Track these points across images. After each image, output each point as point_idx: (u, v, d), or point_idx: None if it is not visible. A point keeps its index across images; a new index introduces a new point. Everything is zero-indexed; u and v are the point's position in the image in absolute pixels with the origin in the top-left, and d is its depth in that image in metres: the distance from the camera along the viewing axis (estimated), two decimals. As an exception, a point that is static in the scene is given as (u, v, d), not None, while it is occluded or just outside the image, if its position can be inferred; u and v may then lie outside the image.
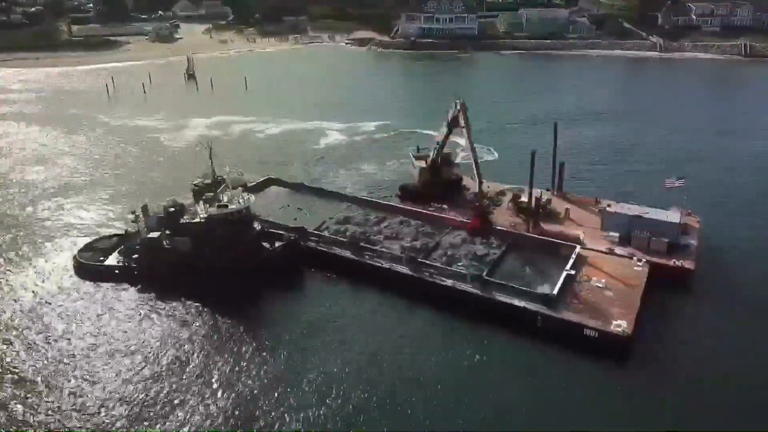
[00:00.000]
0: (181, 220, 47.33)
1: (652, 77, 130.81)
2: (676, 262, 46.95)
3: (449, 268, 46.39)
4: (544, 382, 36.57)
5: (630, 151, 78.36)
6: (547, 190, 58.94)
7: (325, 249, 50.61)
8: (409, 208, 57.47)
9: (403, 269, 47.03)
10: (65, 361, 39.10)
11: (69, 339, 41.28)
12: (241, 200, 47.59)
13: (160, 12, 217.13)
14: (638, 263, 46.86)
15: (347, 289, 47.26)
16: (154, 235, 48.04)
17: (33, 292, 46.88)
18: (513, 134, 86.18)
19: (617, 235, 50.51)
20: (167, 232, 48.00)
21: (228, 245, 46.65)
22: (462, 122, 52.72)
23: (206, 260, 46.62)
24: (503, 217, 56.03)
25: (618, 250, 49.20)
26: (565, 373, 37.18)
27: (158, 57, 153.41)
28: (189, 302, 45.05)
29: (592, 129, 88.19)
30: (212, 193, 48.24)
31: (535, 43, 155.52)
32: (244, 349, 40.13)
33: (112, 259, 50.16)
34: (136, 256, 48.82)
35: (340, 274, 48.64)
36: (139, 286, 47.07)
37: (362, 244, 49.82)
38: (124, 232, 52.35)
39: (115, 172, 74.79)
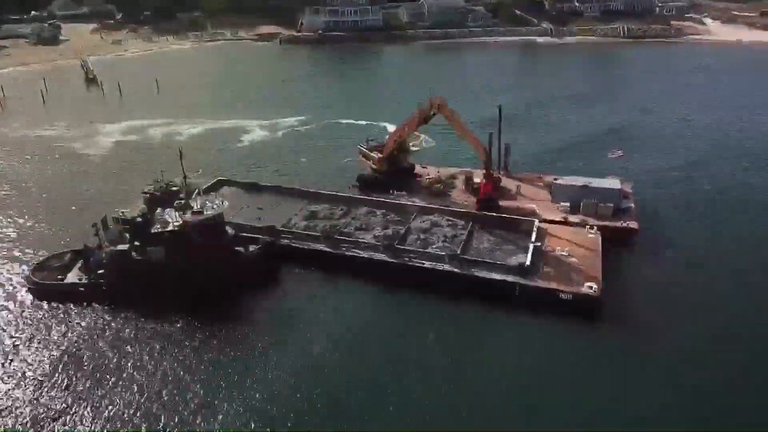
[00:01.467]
0: (153, 230, 45.22)
1: (549, 60, 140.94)
2: (623, 224, 52.29)
3: (426, 250, 48.37)
4: (533, 345, 39.64)
5: (552, 129, 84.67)
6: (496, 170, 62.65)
7: (299, 245, 50.62)
8: (373, 198, 58.67)
9: (382, 256, 48.34)
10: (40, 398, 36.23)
11: (36, 366, 38.30)
12: (215, 205, 46.34)
13: (33, 12, 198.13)
14: (590, 230, 51.48)
15: (326, 282, 47.68)
16: (123, 247, 45.52)
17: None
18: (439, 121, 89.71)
19: (567, 204, 55.17)
20: (136, 243, 45.66)
21: (204, 252, 45.41)
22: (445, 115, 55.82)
23: (181, 269, 45.09)
24: (460, 198, 59.14)
25: (571, 218, 53.78)
26: (550, 335, 40.55)
27: (46, 62, 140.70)
28: (166, 314, 43.24)
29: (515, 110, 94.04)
30: (182, 200, 46.42)
31: (440, 32, 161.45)
32: (233, 356, 39.34)
33: (72, 277, 46.85)
34: (101, 271, 45.93)
35: (317, 268, 48.97)
36: (109, 303, 44.44)
37: (336, 236, 50.44)
38: (82, 247, 48.90)
39: (37, 187, 68.68)
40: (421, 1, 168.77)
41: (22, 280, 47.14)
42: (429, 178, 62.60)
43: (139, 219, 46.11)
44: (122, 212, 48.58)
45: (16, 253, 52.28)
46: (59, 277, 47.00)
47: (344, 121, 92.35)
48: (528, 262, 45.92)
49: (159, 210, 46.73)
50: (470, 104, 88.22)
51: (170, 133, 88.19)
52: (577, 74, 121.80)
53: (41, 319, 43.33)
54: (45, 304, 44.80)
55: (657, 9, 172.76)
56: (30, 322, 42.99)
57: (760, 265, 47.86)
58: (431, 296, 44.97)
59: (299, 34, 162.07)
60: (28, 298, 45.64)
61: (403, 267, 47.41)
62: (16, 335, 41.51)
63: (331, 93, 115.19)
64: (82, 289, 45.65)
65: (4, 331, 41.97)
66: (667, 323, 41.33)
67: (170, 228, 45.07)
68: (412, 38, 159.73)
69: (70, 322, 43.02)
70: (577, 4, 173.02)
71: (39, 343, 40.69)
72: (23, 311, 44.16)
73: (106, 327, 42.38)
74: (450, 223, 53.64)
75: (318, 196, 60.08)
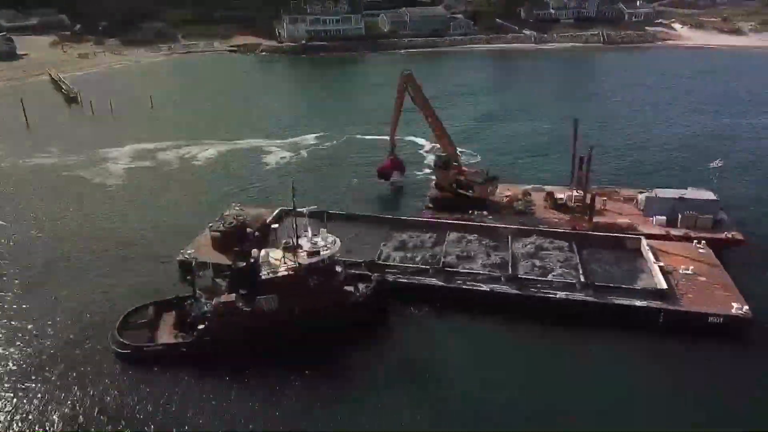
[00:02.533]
0: (263, 275, 39.72)
1: (539, 66, 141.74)
2: (728, 235, 51.10)
3: (549, 279, 45.23)
4: (694, 376, 37.35)
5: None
6: (567, 186, 60.42)
7: (408, 281, 46.28)
8: (460, 222, 54.98)
9: (504, 288, 44.78)
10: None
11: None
12: (329, 243, 41.30)
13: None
14: (699, 245, 49.87)
15: (441, 320, 43.69)
16: (229, 297, 39.75)
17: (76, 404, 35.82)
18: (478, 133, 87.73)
19: (664, 218, 53.55)
20: (242, 291, 40.00)
21: (318, 297, 40.48)
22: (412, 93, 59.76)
23: (295, 318, 39.96)
24: (547, 216, 56.43)
25: (673, 232, 52.07)
26: (707, 364, 38.32)
27: (8, 79, 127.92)
28: (276, 374, 38.04)
29: (540, 122, 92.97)
30: (289, 242, 41.03)
31: (424, 41, 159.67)
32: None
33: (166, 335, 40.57)
34: (202, 326, 39.89)
35: (425, 304, 44.78)
36: (212, 362, 38.64)
37: (449, 268, 46.46)
38: (174, 299, 42.64)
39: (76, 227, 59.93)
40: (403, 10, 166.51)
41: (107, 343, 40.34)
42: (507, 196, 59.56)
43: (243, 264, 40.55)
44: (191, 257, 44.34)
45: (83, 310, 45.04)
46: (149, 335, 40.62)
47: (367, 137, 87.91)
48: (665, 285, 43.54)
49: (263, 252, 41.32)
50: (460, 108, 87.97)
51: (185, 157, 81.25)
52: (584, 79, 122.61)
53: (141, 389, 36.89)
54: (137, 370, 38.46)
55: (626, 16, 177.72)
56: (128, 394, 36.46)
57: None
58: (563, 329, 41.82)
59: (281, 44, 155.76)
60: (115, 366, 38.96)
61: (531, 299, 44.01)
62: (114, 413, 34.97)
63: (336, 105, 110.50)
64: (184, 349, 39.51)
65: (99, 409, 35.25)
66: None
67: (283, 273, 39.80)
68: (397, 47, 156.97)
69: (178, 390, 36.88)
70: (552, 11, 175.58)
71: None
72: (115, 381, 37.55)
73: (217, 393, 36.58)
74: (554, 245, 50.70)
75: (398, 223, 55.77)
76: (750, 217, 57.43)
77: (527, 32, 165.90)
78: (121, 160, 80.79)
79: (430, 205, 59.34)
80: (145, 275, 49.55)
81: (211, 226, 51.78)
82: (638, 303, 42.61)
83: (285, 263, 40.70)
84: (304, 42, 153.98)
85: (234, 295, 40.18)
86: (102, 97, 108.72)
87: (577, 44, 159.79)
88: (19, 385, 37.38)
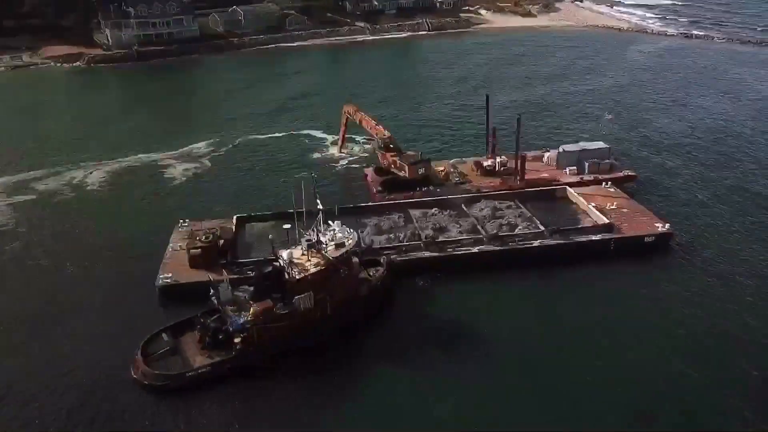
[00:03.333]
0: (296, 275, 39.76)
1: (379, 55, 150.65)
2: (624, 174, 63.76)
3: (521, 232, 52.14)
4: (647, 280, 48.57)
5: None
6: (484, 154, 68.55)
7: (407, 258, 49.74)
8: (415, 200, 59.35)
9: (490, 247, 50.61)
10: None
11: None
12: (347, 234, 42.46)
13: None
14: (607, 185, 61.33)
15: (445, 287, 48.27)
16: (265, 303, 38.99)
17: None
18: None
19: (574, 168, 64.32)
20: (274, 295, 39.57)
21: (345, 287, 42.11)
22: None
23: (328, 312, 41.06)
24: (481, 182, 63.54)
25: (585, 178, 62.90)
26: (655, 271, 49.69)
27: None
28: (324, 370, 39.98)
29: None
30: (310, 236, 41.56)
31: (265, 38, 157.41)
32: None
33: (198, 357, 38.43)
34: (239, 339, 38.57)
35: (425, 277, 49.06)
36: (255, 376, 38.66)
37: (439, 239, 50.80)
38: (196, 317, 40.20)
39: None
40: (234, 8, 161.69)
41: (132, 378, 37.68)
42: (441, 170, 65.25)
43: (272, 269, 40.13)
44: (173, 281, 45.11)
45: (86, 346, 40.43)
46: (179, 361, 38.31)
47: (261, 137, 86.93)
48: (607, 220, 53.21)
49: (285, 253, 41.16)
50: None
51: (74, 183, 72.17)
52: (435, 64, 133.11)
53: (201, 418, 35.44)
54: (176, 400, 36.97)
55: (438, 4, 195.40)
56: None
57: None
58: (545, 271, 49.34)
59: (109, 52, 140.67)
60: (149, 400, 36.40)
61: (513, 251, 50.49)
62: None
63: (201, 111, 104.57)
64: (228, 366, 37.96)
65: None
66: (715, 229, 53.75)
67: (315, 269, 40.31)
68: (237, 47, 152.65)
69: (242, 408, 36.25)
70: (376, 2, 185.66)
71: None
72: (167, 418, 35.65)
73: (280, 400, 37.37)
74: (504, 204, 57.85)
75: (360, 211, 58.02)
76: (628, 155, 71.68)
77: (362, 24, 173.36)
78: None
79: (380, 188, 62.54)
80: (124, 311, 45.41)
81: (186, 245, 48.80)
82: (594, 237, 51.68)
83: (309, 260, 41.10)
84: (135, 48, 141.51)
85: (269, 300, 39.54)
86: None
87: (407, 33, 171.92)
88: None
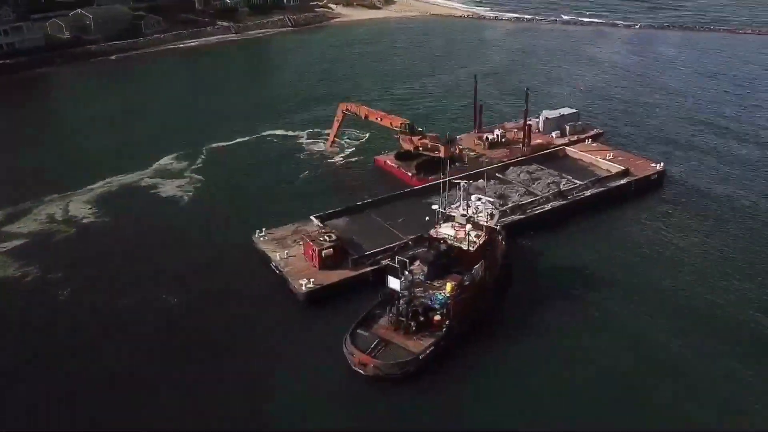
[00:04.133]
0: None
1: (255, 54, 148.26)
2: (596, 131, 76.62)
3: (566, 188, 60.83)
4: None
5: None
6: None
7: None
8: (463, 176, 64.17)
9: (559, 202, 59.43)
10: None
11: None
12: (488, 202, 46.12)
13: None
14: (589, 141, 73.40)
15: (541, 241, 55.53)
16: (456, 278, 41.54)
17: None
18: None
19: (558, 131, 75.10)
20: (453, 271, 42.56)
21: (497, 255, 46.26)
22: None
23: (490, 281, 44.89)
24: (493, 154, 70.82)
25: (571, 138, 74.13)
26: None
27: None
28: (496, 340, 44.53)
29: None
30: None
31: (125, 44, 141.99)
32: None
33: (407, 342, 39.58)
34: (438, 317, 40.55)
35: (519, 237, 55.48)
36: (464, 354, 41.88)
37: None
38: (380, 298, 41.23)
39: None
40: (78, 11, 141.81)
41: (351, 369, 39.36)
42: (459, 148, 70.69)
43: (445, 247, 42.60)
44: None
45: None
46: (392, 348, 39.67)
47: (226, 143, 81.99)
48: (622, 167, 64.58)
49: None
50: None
51: (70, 216, 62.53)
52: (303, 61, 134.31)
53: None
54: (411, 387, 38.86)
55: (285, 0, 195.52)
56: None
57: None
58: (599, 213, 59.15)
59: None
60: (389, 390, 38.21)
61: (576, 202, 59.16)
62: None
63: (112, 131, 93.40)
64: (443, 343, 39.81)
65: None
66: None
67: (481, 240, 43.64)
68: (91, 55, 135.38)
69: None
70: (228, 0, 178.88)
71: None
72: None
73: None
74: (531, 168, 66.08)
75: (421, 192, 61.34)
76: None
77: (226, 24, 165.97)
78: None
79: (416, 171, 65.85)
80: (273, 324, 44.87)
81: (318, 249, 47.89)
82: (622, 182, 62.54)
83: (468, 233, 44.01)
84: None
85: (456, 275, 41.83)
86: None
87: (273, 30, 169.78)
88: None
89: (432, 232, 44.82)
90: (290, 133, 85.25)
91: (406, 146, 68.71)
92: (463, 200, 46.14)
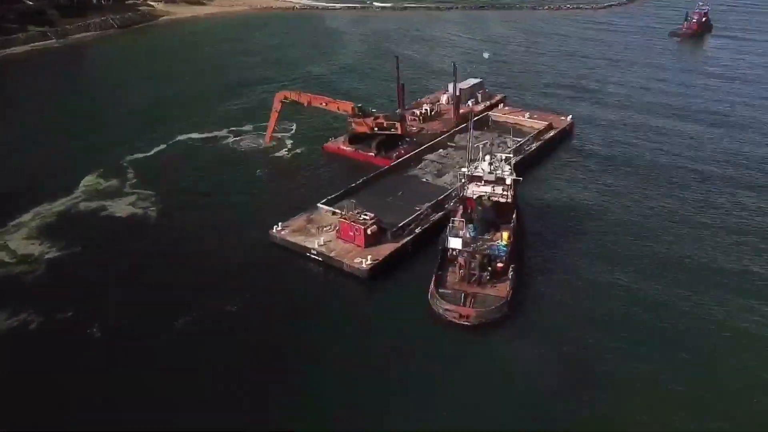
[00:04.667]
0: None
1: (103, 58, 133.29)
2: (498, 96, 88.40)
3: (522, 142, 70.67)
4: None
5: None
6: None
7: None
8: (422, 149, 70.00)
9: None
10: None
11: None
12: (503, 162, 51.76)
13: None
14: (502, 106, 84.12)
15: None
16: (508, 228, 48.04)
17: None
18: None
19: (473, 99, 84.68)
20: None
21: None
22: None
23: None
24: (430, 126, 77.74)
25: (484, 105, 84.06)
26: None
27: None
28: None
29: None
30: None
31: None
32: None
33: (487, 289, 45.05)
34: (501, 264, 46.30)
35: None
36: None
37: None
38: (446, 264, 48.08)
39: None
40: None
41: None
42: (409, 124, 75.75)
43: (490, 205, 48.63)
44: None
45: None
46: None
47: (146, 155, 74.97)
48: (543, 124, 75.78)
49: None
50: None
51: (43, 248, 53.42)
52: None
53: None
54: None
55: (94, 0, 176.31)
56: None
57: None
58: (540, 166, 70.93)
59: None
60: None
61: (526, 159, 68.67)
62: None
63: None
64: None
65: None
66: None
67: (511, 192, 49.71)
68: None
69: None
70: (31, 2, 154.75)
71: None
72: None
73: None
74: (476, 134, 73.33)
75: (391, 171, 65.75)
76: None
77: (43, 29, 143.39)
78: None
79: (376, 151, 69.24)
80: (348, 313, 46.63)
81: (364, 228, 49.17)
82: (552, 134, 73.67)
83: (494, 189, 49.63)
84: None
85: (507, 225, 47.82)
86: None
87: (97, 32, 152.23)
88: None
89: (468, 192, 49.08)
90: (208, 134, 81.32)
91: (360, 129, 71.11)
92: (483, 160, 50.91)
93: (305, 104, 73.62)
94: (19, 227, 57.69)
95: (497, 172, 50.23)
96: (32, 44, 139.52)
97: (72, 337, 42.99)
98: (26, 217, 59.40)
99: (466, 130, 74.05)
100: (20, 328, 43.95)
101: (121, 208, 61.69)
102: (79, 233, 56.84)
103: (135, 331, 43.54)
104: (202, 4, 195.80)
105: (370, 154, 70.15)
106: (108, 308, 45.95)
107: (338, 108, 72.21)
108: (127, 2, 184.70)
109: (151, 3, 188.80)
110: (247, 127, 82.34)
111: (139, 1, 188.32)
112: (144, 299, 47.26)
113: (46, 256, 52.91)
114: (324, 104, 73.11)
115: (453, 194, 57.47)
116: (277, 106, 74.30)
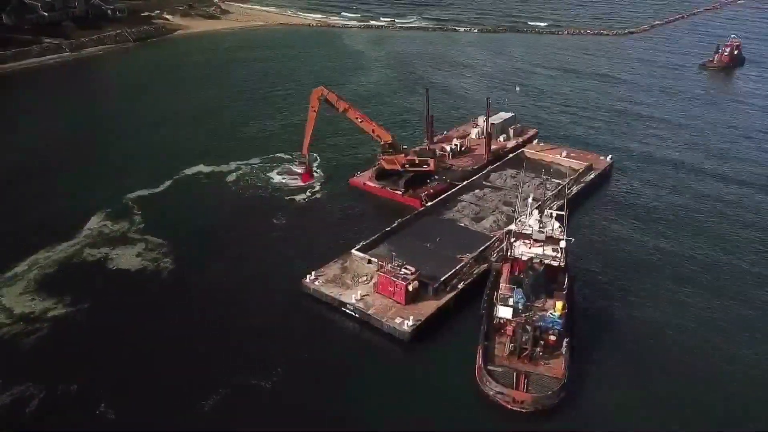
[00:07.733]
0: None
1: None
2: (532, 132, 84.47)
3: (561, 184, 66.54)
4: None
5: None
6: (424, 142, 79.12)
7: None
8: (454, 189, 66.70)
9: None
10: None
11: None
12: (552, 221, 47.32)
13: None
14: (537, 141, 79.80)
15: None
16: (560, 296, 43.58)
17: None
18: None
19: (504, 135, 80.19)
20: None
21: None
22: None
23: None
24: (459, 162, 74.70)
25: (518, 141, 79.58)
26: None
27: None
28: None
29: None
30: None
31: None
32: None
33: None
34: (554, 337, 42.47)
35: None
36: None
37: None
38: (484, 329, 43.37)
39: None
40: None
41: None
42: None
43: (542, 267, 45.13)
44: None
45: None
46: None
47: (152, 191, 69.84)
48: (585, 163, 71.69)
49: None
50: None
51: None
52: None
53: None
54: None
55: (109, 12, 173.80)
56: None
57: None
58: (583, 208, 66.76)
59: None
60: None
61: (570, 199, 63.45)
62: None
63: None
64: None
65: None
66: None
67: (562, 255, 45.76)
68: None
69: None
70: (45, 13, 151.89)
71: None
72: None
73: None
74: (509, 173, 69.95)
75: (434, 210, 62.67)
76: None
77: (56, 41, 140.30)
78: None
79: (404, 189, 66.37)
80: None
81: (405, 286, 45.04)
82: (593, 176, 69.41)
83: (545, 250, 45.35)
84: None
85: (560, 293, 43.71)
86: None
87: (113, 46, 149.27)
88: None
89: (516, 251, 44.51)
90: (215, 168, 75.24)
91: (389, 166, 66.48)
92: (531, 216, 46.38)
93: (339, 110, 67.49)
94: (15, 280, 51.74)
95: (546, 229, 45.72)
96: (45, 57, 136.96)
97: (79, 417, 38.00)
98: (23, 267, 53.52)
99: (500, 168, 70.26)
100: (18, 404, 38.70)
101: (126, 259, 55.35)
102: (85, 287, 51.10)
103: (154, 414, 38.42)
104: (216, 18, 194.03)
105: (398, 192, 65.80)
106: (121, 383, 40.81)
107: (373, 131, 67.10)
108: (142, 15, 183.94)
109: (167, 16, 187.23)
110: (266, 157, 78.19)
111: (154, 15, 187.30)
112: (164, 372, 41.95)
113: (49, 314, 47.36)
114: (359, 120, 67.23)
115: (495, 244, 53.25)
116: (314, 104, 67.60)
